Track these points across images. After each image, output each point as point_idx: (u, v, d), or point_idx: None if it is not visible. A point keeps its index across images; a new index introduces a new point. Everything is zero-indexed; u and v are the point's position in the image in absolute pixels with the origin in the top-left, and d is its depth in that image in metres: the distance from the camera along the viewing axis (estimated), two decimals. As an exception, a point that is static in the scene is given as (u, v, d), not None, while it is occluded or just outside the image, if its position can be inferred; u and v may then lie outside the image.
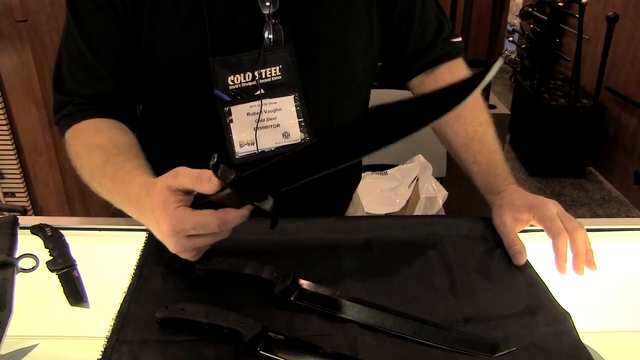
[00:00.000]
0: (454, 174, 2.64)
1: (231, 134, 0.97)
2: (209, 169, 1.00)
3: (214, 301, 0.76)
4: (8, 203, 2.31)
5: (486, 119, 1.05)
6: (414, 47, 1.06)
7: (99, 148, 0.88)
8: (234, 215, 0.69)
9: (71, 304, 0.80)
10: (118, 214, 0.90)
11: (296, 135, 0.99)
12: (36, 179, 2.33)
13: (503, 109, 2.85)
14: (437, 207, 2.00)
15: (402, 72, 1.11)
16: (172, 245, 0.72)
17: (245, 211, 0.70)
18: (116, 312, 0.75)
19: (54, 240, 0.89)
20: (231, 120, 0.96)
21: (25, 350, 0.72)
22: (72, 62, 0.95)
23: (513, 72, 4.89)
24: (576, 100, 3.49)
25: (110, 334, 0.72)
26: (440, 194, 2.00)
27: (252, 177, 0.66)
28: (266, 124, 0.97)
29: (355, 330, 0.74)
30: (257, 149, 0.98)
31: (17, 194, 2.32)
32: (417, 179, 2.03)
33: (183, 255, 0.74)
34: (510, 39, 5.18)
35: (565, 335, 0.73)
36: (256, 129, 0.97)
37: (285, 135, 0.98)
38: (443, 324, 0.75)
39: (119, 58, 0.94)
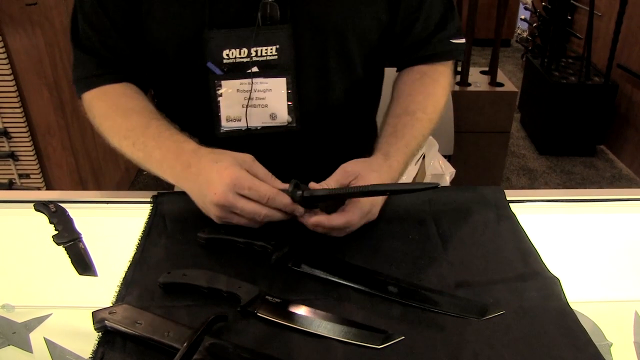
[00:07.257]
0: (462, 153, 2.65)
1: (219, 107, 0.98)
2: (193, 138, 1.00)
3: (215, 268, 0.79)
4: (23, 184, 2.35)
5: (433, 116, 1.02)
6: (411, 40, 1.04)
7: (134, 111, 0.95)
8: (278, 216, 0.81)
9: (79, 274, 0.83)
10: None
11: (283, 117, 0.99)
12: (49, 161, 2.36)
13: (511, 86, 2.84)
14: (444, 184, 2.00)
15: (397, 62, 1.09)
16: (216, 212, 0.81)
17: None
18: (121, 280, 0.78)
19: (58, 216, 0.91)
20: (220, 95, 0.97)
21: (40, 320, 0.75)
22: (86, 19, 0.97)
23: (525, 51, 4.86)
24: (587, 77, 3.45)
25: (115, 300, 0.75)
26: (448, 171, 2.01)
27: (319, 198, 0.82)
28: (255, 102, 0.98)
29: (349, 293, 0.76)
30: (247, 125, 0.99)
31: (31, 176, 2.35)
32: (424, 156, 2.04)
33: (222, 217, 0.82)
34: (522, 17, 5.14)
35: (553, 300, 0.76)
36: (246, 106, 0.98)
37: (273, 116, 0.99)
38: (435, 289, 0.77)
39: (127, 21, 0.96)
